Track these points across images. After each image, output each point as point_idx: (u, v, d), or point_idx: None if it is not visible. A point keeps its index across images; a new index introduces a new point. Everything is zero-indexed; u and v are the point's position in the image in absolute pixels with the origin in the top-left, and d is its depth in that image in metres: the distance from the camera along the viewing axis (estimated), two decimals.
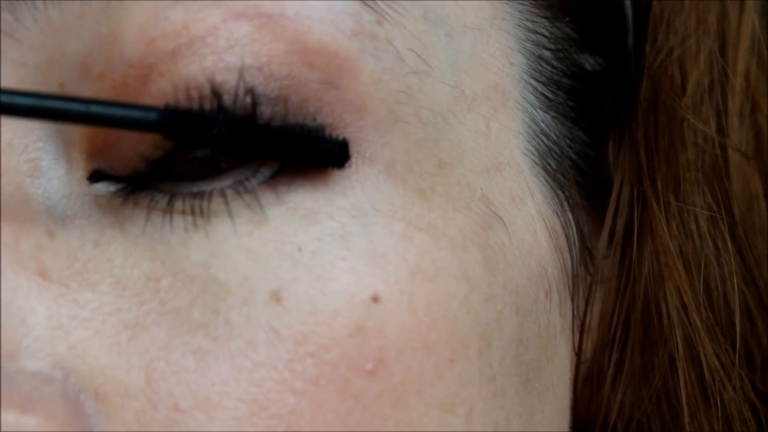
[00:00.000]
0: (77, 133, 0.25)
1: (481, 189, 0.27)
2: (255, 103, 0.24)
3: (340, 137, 0.25)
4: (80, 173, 0.25)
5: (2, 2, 0.24)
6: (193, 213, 0.25)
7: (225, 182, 0.25)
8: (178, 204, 0.25)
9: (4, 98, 0.23)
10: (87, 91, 0.25)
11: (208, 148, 0.25)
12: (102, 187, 0.25)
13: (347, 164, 0.25)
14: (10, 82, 0.25)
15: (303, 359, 0.24)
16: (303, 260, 0.24)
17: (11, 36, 0.24)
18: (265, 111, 0.24)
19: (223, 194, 0.25)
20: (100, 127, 0.24)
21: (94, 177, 0.25)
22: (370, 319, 0.24)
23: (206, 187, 0.25)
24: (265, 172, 0.25)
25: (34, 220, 0.24)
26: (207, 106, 0.24)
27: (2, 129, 0.25)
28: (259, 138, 0.24)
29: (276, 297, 0.24)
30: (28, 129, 0.25)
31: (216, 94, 0.24)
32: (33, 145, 0.25)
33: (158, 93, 0.24)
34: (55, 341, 0.24)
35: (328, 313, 0.24)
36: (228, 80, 0.24)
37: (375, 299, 0.24)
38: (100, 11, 0.24)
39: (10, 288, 0.24)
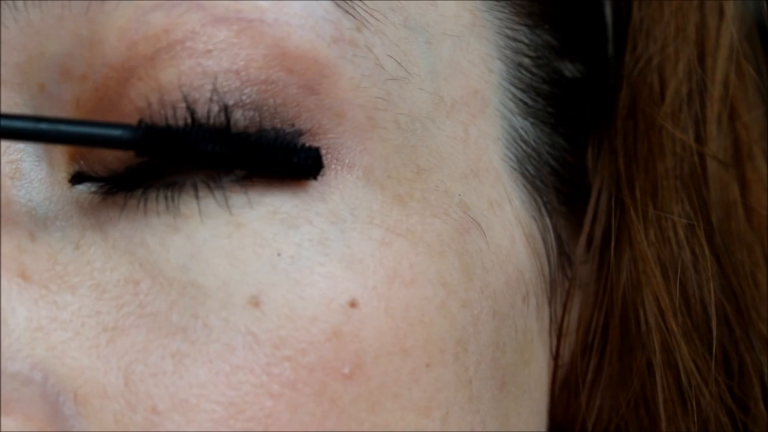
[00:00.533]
0: None
1: (459, 195, 0.27)
2: (228, 117, 0.24)
3: (316, 145, 0.25)
4: (62, 175, 0.25)
5: None
6: (168, 209, 0.25)
7: (198, 176, 0.25)
8: (152, 197, 0.25)
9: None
10: (68, 92, 0.25)
11: (182, 163, 0.25)
12: (83, 189, 0.25)
13: (321, 173, 0.25)
14: None
15: (280, 363, 0.24)
16: (282, 265, 0.25)
17: None
18: (242, 116, 0.25)
19: (194, 188, 0.25)
20: (74, 146, 0.25)
21: (76, 179, 0.25)
22: (347, 323, 0.25)
23: (180, 178, 0.25)
24: (240, 172, 0.25)
25: (16, 222, 0.25)
26: (182, 113, 0.24)
27: None
28: (233, 153, 0.24)
29: (255, 302, 0.24)
30: None
31: (190, 103, 0.24)
32: (14, 147, 0.25)
33: (137, 97, 0.24)
34: (35, 343, 0.24)
35: (306, 318, 0.24)
36: (204, 85, 0.24)
37: (353, 304, 0.25)
38: (80, 13, 0.25)
39: None
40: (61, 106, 0.25)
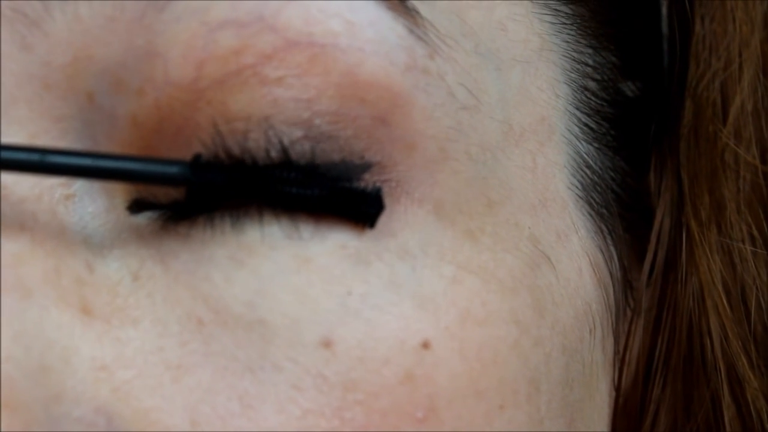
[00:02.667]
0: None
1: (529, 228, 0.26)
2: (288, 151, 0.24)
3: (386, 178, 0.24)
4: (118, 201, 0.24)
5: None
6: (231, 240, 0.24)
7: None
8: (216, 223, 0.24)
9: (23, 155, 0.23)
10: (122, 107, 0.24)
11: (232, 199, 0.24)
12: (142, 218, 0.24)
13: (388, 204, 0.24)
14: (36, 83, 0.24)
15: (352, 407, 0.23)
16: (353, 304, 0.24)
17: (39, 26, 0.23)
18: (310, 148, 0.24)
19: (260, 212, 0.24)
20: (123, 183, 0.24)
21: (135, 207, 0.24)
22: (420, 366, 0.24)
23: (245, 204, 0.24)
24: None
25: (72, 251, 0.24)
26: (252, 144, 0.23)
27: None
28: (287, 194, 0.24)
29: (326, 342, 0.23)
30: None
31: (259, 133, 0.23)
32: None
33: (205, 121, 0.23)
34: (99, 384, 0.23)
35: (378, 360, 0.23)
36: (274, 115, 0.23)
37: (425, 345, 0.24)
38: (134, 18, 0.23)
39: (55, 325, 0.23)
40: (113, 121, 0.24)
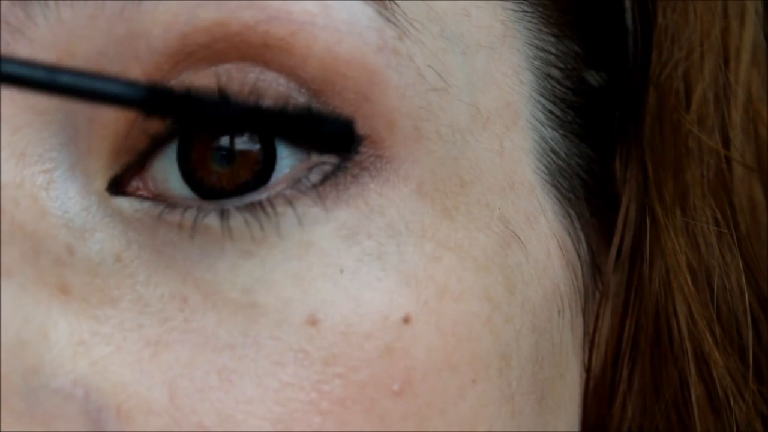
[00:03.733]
0: (97, 139, 0.25)
1: (499, 208, 0.27)
2: (258, 99, 0.24)
3: (377, 154, 0.25)
4: (98, 184, 0.25)
5: None
6: (250, 233, 0.24)
7: (274, 190, 0.25)
8: (235, 221, 0.24)
9: None
10: None
11: (197, 126, 0.24)
12: (124, 201, 0.25)
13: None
14: None
15: (331, 380, 0.24)
16: (343, 282, 0.24)
17: (22, 33, 0.24)
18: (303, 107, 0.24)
19: (272, 205, 0.25)
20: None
21: (113, 188, 0.25)
22: (399, 340, 0.24)
23: (258, 196, 0.25)
24: (308, 182, 0.25)
25: (53, 234, 0.24)
26: (244, 98, 0.24)
27: (15, 138, 0.24)
28: (250, 118, 0.23)
29: (312, 320, 0.24)
30: (41, 138, 0.24)
31: (256, 89, 0.24)
32: (47, 155, 0.24)
33: (196, 77, 0.24)
34: (77, 357, 0.23)
35: (360, 335, 0.24)
36: (266, 78, 0.24)
37: (406, 320, 0.24)
38: (114, 13, 0.24)
39: (33, 303, 0.23)
40: (95, 106, 0.24)
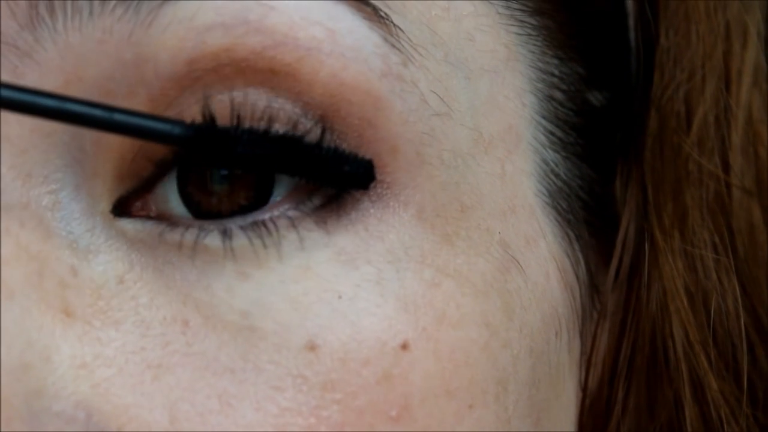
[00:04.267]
0: (103, 161, 0.25)
1: (499, 233, 0.27)
2: (269, 125, 0.24)
3: (378, 179, 0.25)
4: (103, 205, 0.25)
5: (23, 23, 0.24)
6: (253, 249, 0.25)
7: (278, 210, 0.25)
8: (237, 241, 0.25)
9: (27, 97, 0.23)
10: None
11: (232, 166, 0.25)
12: (128, 223, 0.25)
13: (372, 185, 0.25)
14: None
15: (329, 406, 0.24)
16: (341, 308, 0.25)
17: (30, 57, 0.24)
18: (313, 133, 0.25)
19: (275, 226, 0.25)
20: (122, 136, 0.24)
21: (117, 209, 0.25)
22: (397, 366, 0.24)
23: (261, 216, 0.25)
24: (309, 205, 0.25)
25: (57, 256, 0.24)
26: (254, 123, 0.24)
27: (21, 159, 0.24)
28: (281, 158, 0.24)
29: (311, 346, 0.24)
30: (46, 159, 0.25)
31: (266, 116, 0.24)
32: (52, 176, 0.25)
33: (201, 109, 0.24)
34: (79, 380, 0.24)
35: (359, 361, 0.24)
36: (274, 104, 0.24)
37: (404, 347, 0.25)
38: (122, 38, 0.24)
39: (36, 326, 0.24)
40: None
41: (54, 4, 0.24)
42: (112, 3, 0.24)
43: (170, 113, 0.24)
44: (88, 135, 0.25)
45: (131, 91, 0.24)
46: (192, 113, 0.24)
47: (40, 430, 0.23)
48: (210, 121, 0.24)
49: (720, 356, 0.31)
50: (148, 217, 0.25)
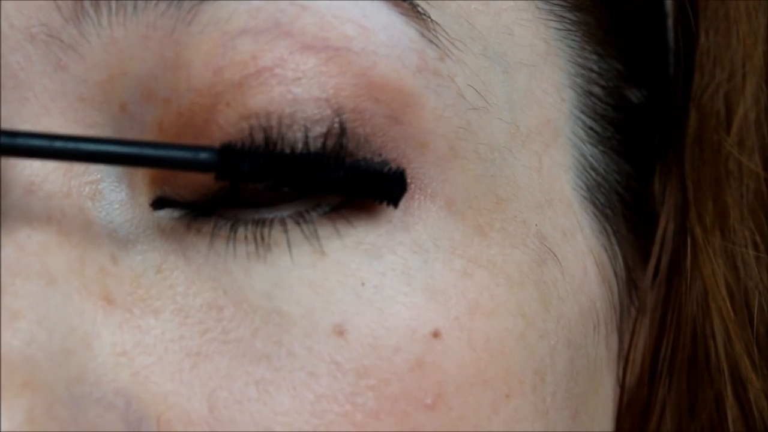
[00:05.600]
0: None
1: (536, 225, 0.27)
2: (321, 144, 0.24)
3: (399, 170, 0.25)
4: (142, 198, 0.25)
5: (67, 16, 0.24)
6: (255, 241, 0.25)
7: (286, 212, 0.25)
8: (241, 231, 0.25)
9: (59, 144, 0.23)
10: (150, 114, 0.25)
11: (263, 185, 0.25)
12: (165, 214, 0.25)
13: (402, 200, 0.25)
14: (71, 98, 0.25)
15: (364, 392, 0.24)
16: (366, 294, 0.25)
17: (74, 50, 0.24)
18: (332, 145, 0.25)
19: (283, 223, 0.25)
20: (154, 169, 0.25)
21: (158, 204, 0.25)
22: (430, 354, 0.24)
23: (268, 215, 0.25)
24: (326, 207, 0.25)
25: (98, 244, 0.25)
26: (272, 140, 0.24)
27: None
28: (312, 177, 0.24)
29: (339, 330, 0.24)
30: None
31: (281, 130, 0.24)
32: (93, 167, 0.25)
33: (225, 122, 0.24)
34: (119, 368, 0.24)
35: (389, 348, 0.24)
36: (295, 112, 0.24)
37: (435, 335, 0.25)
38: (165, 34, 0.24)
39: (77, 312, 0.24)
40: (143, 127, 0.25)
41: (99, 0, 0.24)
42: None
43: (194, 127, 0.25)
44: (129, 132, 0.25)
45: (168, 98, 0.25)
46: (214, 131, 0.25)
47: (80, 416, 0.23)
48: (227, 144, 0.24)
49: (762, 355, 0.30)
50: (177, 204, 0.25)
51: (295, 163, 0.24)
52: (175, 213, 0.25)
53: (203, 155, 0.24)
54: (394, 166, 0.25)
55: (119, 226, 0.25)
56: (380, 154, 0.25)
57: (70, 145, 0.23)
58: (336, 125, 0.24)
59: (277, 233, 0.25)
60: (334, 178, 0.25)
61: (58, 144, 0.23)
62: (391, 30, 0.25)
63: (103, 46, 0.24)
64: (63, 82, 0.25)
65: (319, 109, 0.24)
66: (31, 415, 0.22)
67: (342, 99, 0.24)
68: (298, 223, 0.25)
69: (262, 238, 0.25)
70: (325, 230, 0.25)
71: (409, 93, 0.25)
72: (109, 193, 0.25)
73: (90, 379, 0.23)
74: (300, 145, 0.24)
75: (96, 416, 0.23)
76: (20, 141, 0.23)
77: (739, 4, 0.32)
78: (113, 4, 0.24)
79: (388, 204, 0.25)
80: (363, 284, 0.25)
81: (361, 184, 0.25)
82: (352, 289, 0.25)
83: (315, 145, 0.24)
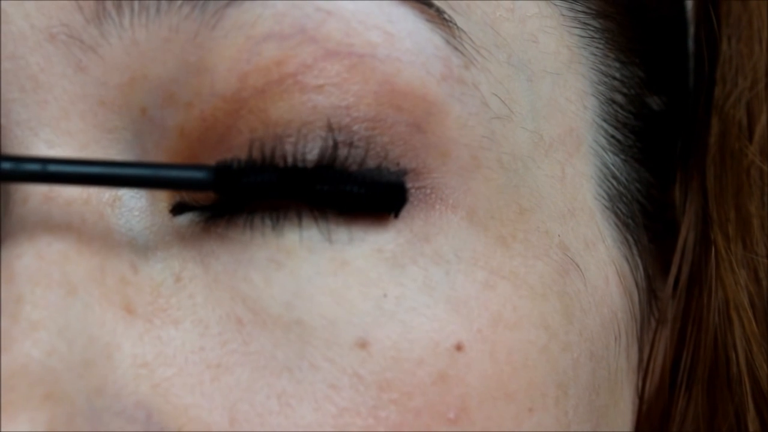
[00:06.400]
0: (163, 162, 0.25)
1: (559, 235, 0.27)
2: (335, 154, 0.24)
3: (421, 185, 0.25)
4: (162, 204, 0.25)
5: (89, 17, 0.24)
6: (270, 241, 0.24)
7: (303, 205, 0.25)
8: (256, 224, 0.24)
9: (53, 168, 0.23)
10: (171, 119, 0.25)
11: (261, 200, 0.25)
12: (184, 220, 0.25)
13: (423, 210, 0.25)
14: (91, 100, 0.24)
15: (387, 406, 0.24)
16: (388, 306, 0.24)
17: (95, 51, 0.24)
18: (350, 154, 0.24)
19: (298, 216, 0.25)
20: (153, 189, 0.24)
21: (177, 209, 0.25)
22: (453, 367, 0.24)
23: (285, 203, 0.25)
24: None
25: (118, 252, 0.24)
26: (290, 149, 0.24)
27: (82, 153, 0.24)
28: (312, 191, 0.24)
29: (362, 343, 0.24)
30: (107, 155, 0.25)
31: (300, 139, 0.24)
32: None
33: (247, 129, 0.24)
34: (139, 379, 0.24)
35: (412, 361, 0.24)
36: (315, 121, 0.24)
37: (458, 348, 0.24)
38: (188, 38, 0.24)
39: (98, 323, 0.24)
40: (163, 132, 0.25)
41: (121, 0, 0.24)
42: (179, 2, 0.24)
43: (216, 132, 0.24)
44: (150, 135, 0.25)
45: (190, 102, 0.24)
46: (235, 137, 0.24)
47: (101, 429, 0.23)
48: (230, 162, 0.24)
49: None
50: (193, 208, 0.25)
51: (292, 177, 0.24)
52: (195, 217, 0.25)
53: (199, 174, 0.24)
54: (412, 175, 0.25)
55: (139, 233, 0.25)
56: (398, 163, 0.25)
57: (64, 168, 0.23)
58: (354, 134, 0.24)
59: (291, 228, 0.24)
60: (332, 192, 0.24)
61: (51, 168, 0.23)
62: (417, 37, 0.25)
63: (124, 48, 0.24)
64: (83, 84, 0.24)
65: (338, 117, 0.24)
66: (53, 427, 0.22)
67: (363, 107, 0.24)
68: (314, 218, 0.24)
69: (276, 233, 0.24)
70: (341, 233, 0.25)
71: (432, 101, 0.25)
72: (129, 199, 0.25)
73: (111, 391, 0.23)
74: (317, 153, 0.24)
75: (117, 429, 0.23)
76: (3, 165, 0.23)
77: (762, 12, 0.32)
78: (135, 5, 0.24)
79: (389, 214, 0.25)
80: (385, 296, 0.24)
81: (360, 197, 0.24)
82: (374, 300, 0.24)
83: (333, 153, 0.24)
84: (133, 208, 0.25)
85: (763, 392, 0.30)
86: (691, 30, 0.32)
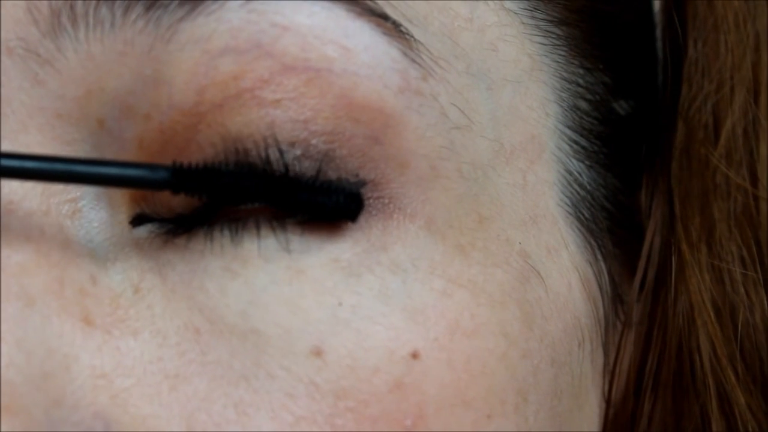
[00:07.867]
0: None
1: (520, 243, 0.27)
2: (287, 165, 0.24)
3: (379, 195, 0.25)
4: (122, 216, 0.25)
5: (44, 31, 0.24)
6: (227, 250, 0.25)
7: (262, 216, 0.25)
8: (215, 235, 0.25)
9: (4, 162, 0.23)
10: (129, 130, 0.25)
11: (219, 201, 0.25)
12: (143, 231, 0.25)
13: (359, 217, 0.25)
14: (48, 113, 0.25)
15: (343, 414, 0.24)
16: (343, 315, 0.24)
17: (51, 65, 0.24)
18: (309, 167, 0.25)
19: (257, 226, 0.25)
20: (111, 188, 0.25)
21: (137, 220, 0.25)
22: (409, 375, 0.24)
23: (245, 214, 0.25)
24: (301, 217, 0.25)
25: (77, 264, 0.25)
26: (250, 159, 0.24)
27: None
28: (263, 191, 0.24)
29: (317, 351, 0.24)
30: None
31: (258, 152, 0.24)
32: (72, 185, 0.25)
33: (205, 142, 0.24)
34: (98, 390, 0.24)
35: (368, 369, 0.24)
36: (272, 135, 0.24)
37: (414, 356, 0.25)
38: (143, 51, 0.24)
39: (56, 334, 0.24)
40: (122, 144, 0.25)
41: (76, 14, 0.24)
42: (134, 15, 0.24)
43: (176, 145, 0.25)
44: (108, 147, 0.25)
45: (148, 114, 0.25)
46: (194, 150, 0.24)
47: None
48: (188, 164, 0.24)
49: (747, 370, 0.30)
50: (152, 219, 0.25)
51: (249, 179, 0.24)
52: (154, 229, 0.25)
53: (156, 174, 0.24)
54: (370, 186, 0.25)
55: (98, 245, 0.25)
56: (357, 175, 0.25)
57: (19, 163, 0.23)
58: (312, 147, 0.24)
59: (249, 237, 0.25)
60: (284, 197, 0.24)
61: (4, 162, 0.23)
62: (374, 50, 0.25)
63: (80, 61, 0.24)
64: (40, 97, 0.24)
65: (296, 131, 0.24)
66: None
67: (320, 121, 0.24)
68: (272, 228, 0.25)
69: (234, 242, 0.25)
70: (299, 242, 0.25)
71: (390, 113, 0.25)
72: (89, 211, 0.25)
73: (69, 402, 0.23)
74: (277, 166, 0.24)
75: None
76: None
77: (727, 15, 0.32)
78: (90, 19, 0.24)
79: (346, 219, 0.25)
80: (340, 304, 0.24)
81: (315, 205, 0.24)
82: (329, 309, 0.24)
83: (293, 165, 0.24)
84: (92, 219, 0.25)
85: (726, 393, 0.30)
86: (658, 34, 0.32)
